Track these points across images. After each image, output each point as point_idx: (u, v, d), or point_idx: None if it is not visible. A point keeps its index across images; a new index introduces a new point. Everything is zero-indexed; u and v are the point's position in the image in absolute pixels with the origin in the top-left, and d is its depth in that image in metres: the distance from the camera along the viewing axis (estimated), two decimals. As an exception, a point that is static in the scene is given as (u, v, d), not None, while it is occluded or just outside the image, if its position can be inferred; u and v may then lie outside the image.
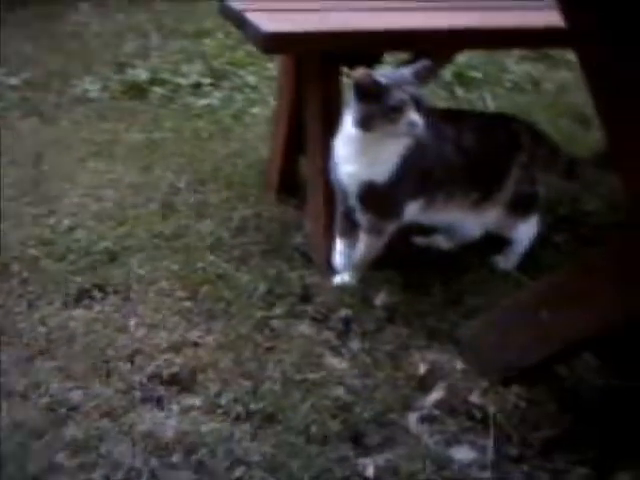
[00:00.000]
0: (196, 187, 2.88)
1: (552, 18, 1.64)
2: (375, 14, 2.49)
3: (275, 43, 2.19)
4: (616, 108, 1.46)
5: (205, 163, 3.07)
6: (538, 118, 3.42)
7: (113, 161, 3.12)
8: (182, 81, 4.07)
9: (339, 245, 2.28)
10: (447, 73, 4.08)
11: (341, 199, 2.24)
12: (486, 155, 2.27)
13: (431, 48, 2.35)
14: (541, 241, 2.42)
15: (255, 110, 3.74)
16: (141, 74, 4.13)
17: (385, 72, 2.16)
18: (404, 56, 2.68)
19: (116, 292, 2.24)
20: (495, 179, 2.30)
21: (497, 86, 4.06)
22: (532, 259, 2.38)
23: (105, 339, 2.03)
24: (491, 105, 3.72)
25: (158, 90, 3.96)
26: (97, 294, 2.23)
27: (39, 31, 4.97)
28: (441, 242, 2.47)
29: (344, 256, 2.28)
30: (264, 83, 4.06)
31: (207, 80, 4.09)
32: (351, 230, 2.25)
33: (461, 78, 4.11)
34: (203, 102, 3.84)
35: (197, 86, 4.03)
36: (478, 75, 4.16)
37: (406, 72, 2.10)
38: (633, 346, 1.69)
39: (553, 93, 3.97)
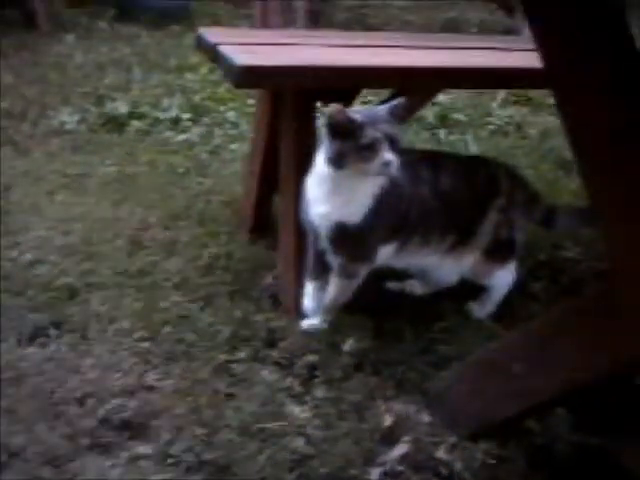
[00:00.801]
0: (167, 223, 2.79)
1: (533, 59, 1.57)
2: (351, 50, 2.43)
3: (249, 77, 2.10)
4: (596, 158, 1.38)
5: (178, 199, 3.00)
6: (520, 162, 3.36)
7: (84, 194, 3.04)
8: (161, 115, 4.00)
9: (309, 288, 2.19)
10: (430, 115, 4.03)
11: (312, 240, 2.15)
12: (463, 198, 2.20)
13: (409, 86, 2.28)
14: (519, 289, 2.33)
15: (234, 146, 3.67)
16: (120, 107, 4.05)
17: (359, 109, 2.09)
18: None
19: (73, 331, 2.14)
20: (472, 223, 2.23)
21: (480, 129, 4.01)
22: (508, 307, 2.30)
23: (56, 380, 1.92)
24: (473, 148, 3.66)
25: (136, 124, 3.89)
26: (53, 332, 2.13)
27: (21, 61, 4.93)
28: (415, 287, 2.39)
29: (314, 300, 2.19)
30: (244, 119, 4.00)
31: (187, 115, 4.02)
32: (322, 273, 2.16)
33: (444, 120, 4.06)
34: (181, 137, 3.77)
35: (176, 121, 3.96)
36: (462, 117, 4.12)
37: (381, 110, 2.03)
38: (606, 400, 1.60)
39: (536, 137, 3.92)
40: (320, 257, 2.15)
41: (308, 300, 2.20)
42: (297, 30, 2.70)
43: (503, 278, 2.30)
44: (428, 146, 3.67)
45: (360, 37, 2.61)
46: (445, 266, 2.26)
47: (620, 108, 1.34)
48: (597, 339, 1.44)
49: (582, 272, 2.58)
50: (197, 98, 4.27)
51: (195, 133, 3.82)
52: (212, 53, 2.34)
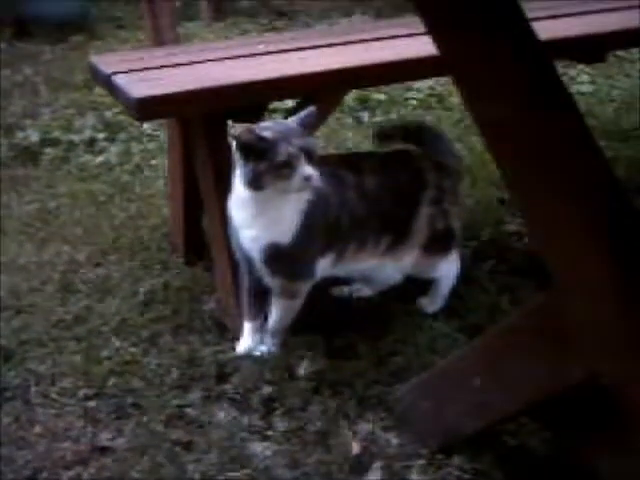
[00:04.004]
0: (97, 260, 2.67)
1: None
2: (252, 61, 2.30)
3: (149, 110, 2.00)
4: (517, 159, 1.31)
5: (105, 231, 2.86)
6: (448, 135, 3.29)
7: (4, 239, 2.88)
8: (75, 138, 3.83)
9: (247, 328, 2.11)
10: (350, 99, 3.94)
11: (246, 270, 2.06)
12: (392, 197, 2.13)
13: (318, 93, 2.19)
14: (466, 275, 2.29)
15: (155, 161, 3.54)
16: (31, 135, 3.88)
17: (269, 125, 1.98)
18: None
19: (13, 398, 2.02)
20: (406, 220, 2.16)
21: (403, 106, 3.93)
22: (458, 298, 2.25)
23: (2, 459, 1.81)
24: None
25: (50, 151, 3.72)
26: (-8, 403, 2.01)
27: None
28: (362, 290, 2.33)
29: (253, 340, 2.10)
30: (163, 130, 3.86)
31: (102, 134, 3.87)
32: (260, 312, 2.09)
33: (365, 102, 3.98)
34: (99, 159, 3.62)
35: (91, 142, 3.81)
36: (382, 97, 4.03)
37: (292, 123, 1.94)
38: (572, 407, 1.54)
39: (460, 107, 3.86)
40: (256, 292, 2.08)
41: (248, 339, 2.11)
42: (191, 46, 2.58)
43: (448, 269, 2.26)
44: (351, 132, 3.60)
45: (258, 43, 2.49)
46: (387, 267, 2.20)
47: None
48: (549, 353, 1.39)
49: (527, 245, 2.54)
50: (110, 114, 4.11)
51: (113, 153, 3.68)
52: (108, 85, 2.21)
